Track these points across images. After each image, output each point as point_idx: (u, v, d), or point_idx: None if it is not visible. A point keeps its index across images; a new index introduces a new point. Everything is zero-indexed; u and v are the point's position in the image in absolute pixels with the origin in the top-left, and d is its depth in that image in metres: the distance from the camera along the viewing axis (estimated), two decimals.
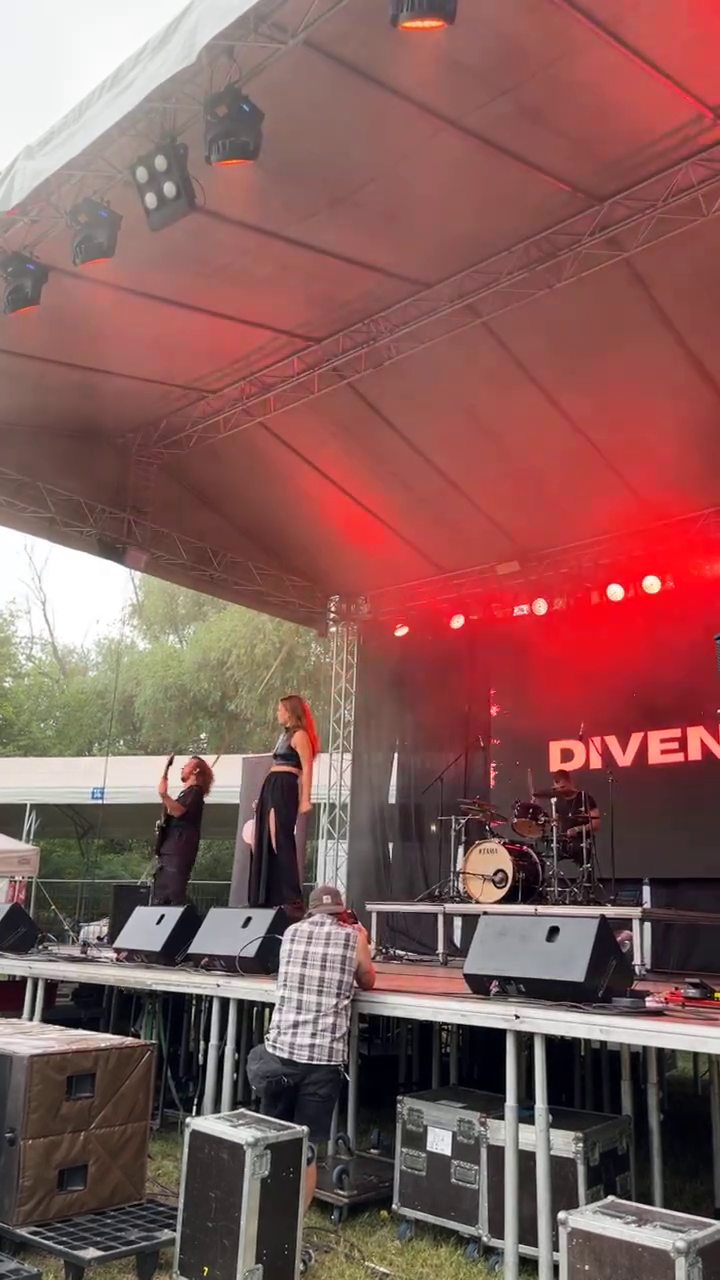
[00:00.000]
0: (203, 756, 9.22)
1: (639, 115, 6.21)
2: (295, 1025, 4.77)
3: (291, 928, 5.15)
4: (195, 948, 6.30)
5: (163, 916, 6.80)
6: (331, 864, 13.07)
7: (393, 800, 12.90)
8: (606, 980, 4.39)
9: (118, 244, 6.01)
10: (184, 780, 8.66)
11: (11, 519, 10.62)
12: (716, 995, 4.83)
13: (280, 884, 7.24)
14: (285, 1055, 4.73)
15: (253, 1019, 6.76)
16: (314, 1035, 4.74)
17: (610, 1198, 3.60)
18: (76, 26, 43.50)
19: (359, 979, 5.06)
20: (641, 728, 10.61)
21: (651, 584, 10.75)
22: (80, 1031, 5.46)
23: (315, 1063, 4.70)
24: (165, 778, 8.49)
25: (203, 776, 8.68)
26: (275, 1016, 4.91)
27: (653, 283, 7.64)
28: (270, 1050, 4.81)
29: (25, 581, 50.94)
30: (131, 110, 5.23)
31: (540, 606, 11.62)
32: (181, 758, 9.09)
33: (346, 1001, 4.88)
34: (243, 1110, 4.50)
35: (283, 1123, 4.17)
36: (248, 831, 11.87)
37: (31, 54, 42.43)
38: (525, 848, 9.06)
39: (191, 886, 15.31)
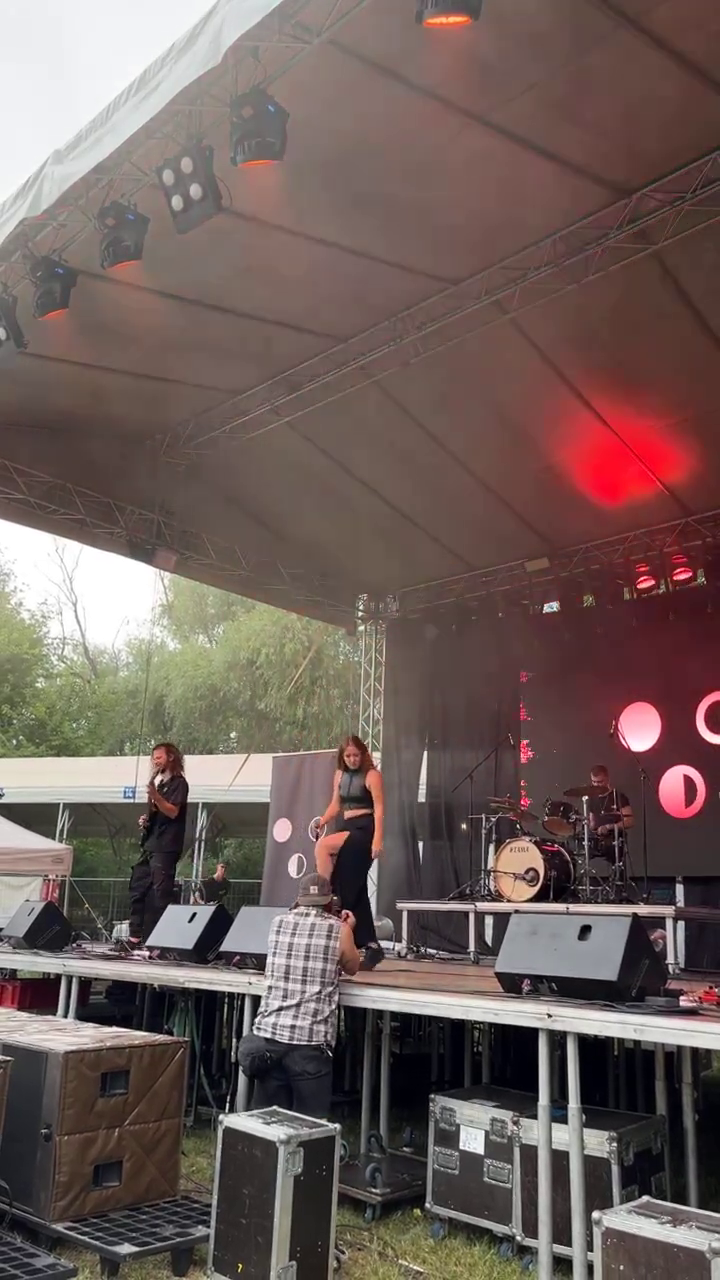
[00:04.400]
0: (167, 741, 9.08)
1: (667, 107, 6.15)
2: (279, 1010, 4.98)
3: (278, 919, 5.31)
4: (227, 946, 6.34)
5: (194, 915, 6.85)
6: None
7: (422, 799, 12.89)
8: (640, 979, 4.36)
9: (145, 246, 6.05)
10: (163, 770, 8.32)
11: (42, 521, 10.73)
12: None
13: (367, 928, 7.01)
14: (268, 1035, 4.95)
15: None
16: (295, 1018, 4.94)
17: (645, 1198, 3.57)
18: (87, 25, 43.80)
19: (343, 965, 5.23)
20: (674, 724, 10.51)
21: (683, 579, 10.66)
22: (114, 1029, 5.50)
23: (296, 1042, 4.88)
24: (153, 784, 8.30)
25: (179, 763, 8.43)
26: (262, 1004, 5.12)
27: (682, 275, 7.58)
28: (256, 1031, 5.04)
29: (56, 583, 51.42)
30: (158, 113, 5.26)
31: (570, 603, 11.56)
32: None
33: (331, 988, 5.06)
34: (275, 1108, 4.52)
35: (315, 1120, 4.18)
36: (279, 830, 11.96)
37: (42, 51, 42.79)
38: (557, 846, 9.02)
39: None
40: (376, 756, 13.13)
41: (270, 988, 5.09)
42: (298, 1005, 4.95)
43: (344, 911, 5.65)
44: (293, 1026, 4.91)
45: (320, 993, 4.99)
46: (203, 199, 5.55)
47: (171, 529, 11.38)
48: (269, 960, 5.19)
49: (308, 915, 5.24)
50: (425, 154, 6.45)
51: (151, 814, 8.28)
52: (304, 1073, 4.83)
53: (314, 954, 5.06)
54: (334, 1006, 5.06)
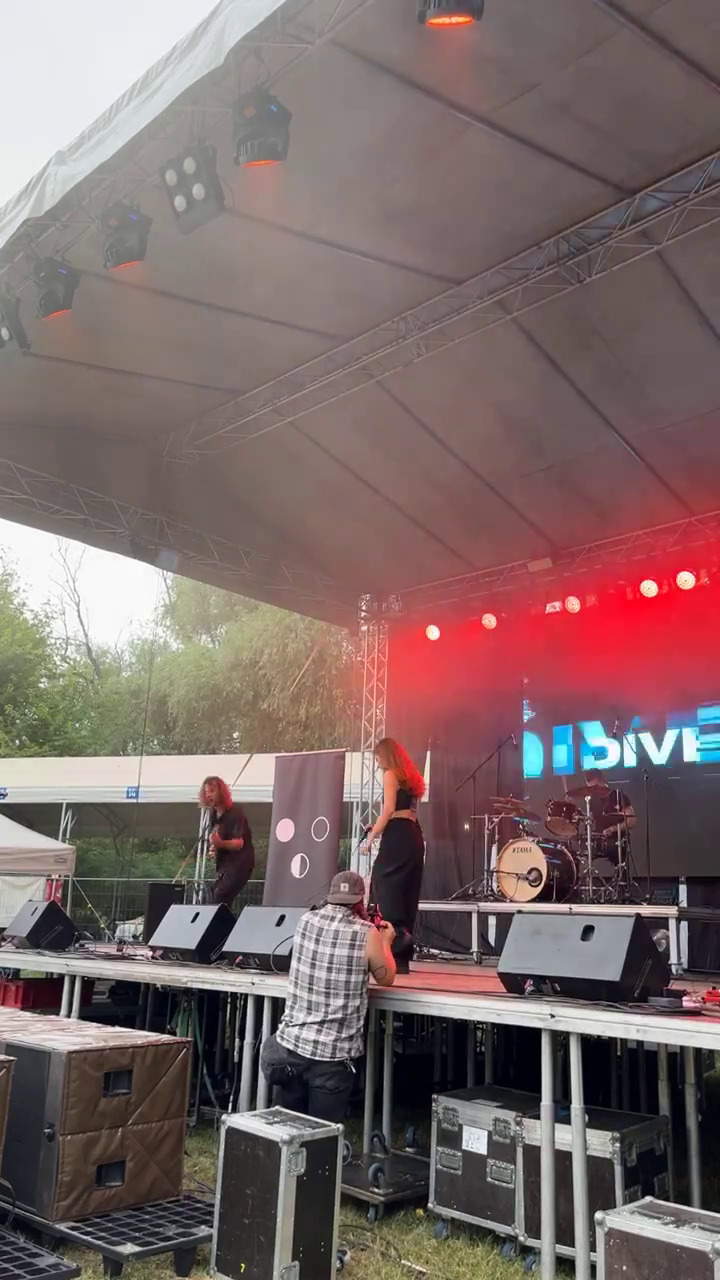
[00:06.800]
0: (214, 776, 9.42)
1: (669, 107, 6.15)
2: (303, 1024, 4.85)
3: (303, 920, 5.16)
4: (230, 946, 6.35)
5: (197, 915, 6.86)
6: (365, 863, 13.07)
7: (425, 799, 12.86)
8: (642, 979, 4.36)
9: (148, 246, 6.05)
10: (209, 804, 9.01)
11: (45, 521, 10.73)
12: None
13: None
14: (290, 1047, 4.85)
15: None
16: (319, 1033, 4.82)
17: (648, 1198, 3.57)
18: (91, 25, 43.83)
19: (375, 975, 5.07)
20: (676, 725, 10.52)
21: (686, 580, 10.64)
22: (117, 1029, 5.51)
23: (318, 1059, 4.78)
24: (213, 835, 8.98)
25: (226, 796, 9.11)
26: (286, 1012, 5.00)
27: (685, 275, 7.57)
28: (279, 1040, 4.92)
29: (60, 583, 51.49)
30: (161, 113, 5.25)
31: (573, 604, 11.55)
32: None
33: (357, 1001, 4.90)
34: (278, 1108, 4.52)
35: (318, 1120, 4.19)
36: (282, 830, 11.96)
37: (50, 49, 42.82)
38: (559, 846, 9.02)
39: None
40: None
41: (294, 996, 4.95)
42: (322, 1021, 4.82)
43: (381, 921, 5.40)
44: (316, 1042, 4.79)
45: (345, 1006, 4.84)
46: (205, 199, 5.54)
47: (174, 529, 11.38)
48: (292, 965, 5.05)
49: (333, 919, 5.05)
50: (428, 154, 6.45)
51: (220, 850, 9.01)
52: (322, 1088, 4.76)
53: (337, 965, 4.91)
54: (361, 1021, 4.91)
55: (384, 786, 7.32)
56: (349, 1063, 4.84)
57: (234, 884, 9.06)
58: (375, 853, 7.28)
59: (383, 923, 5.41)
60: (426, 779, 12.95)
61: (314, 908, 5.27)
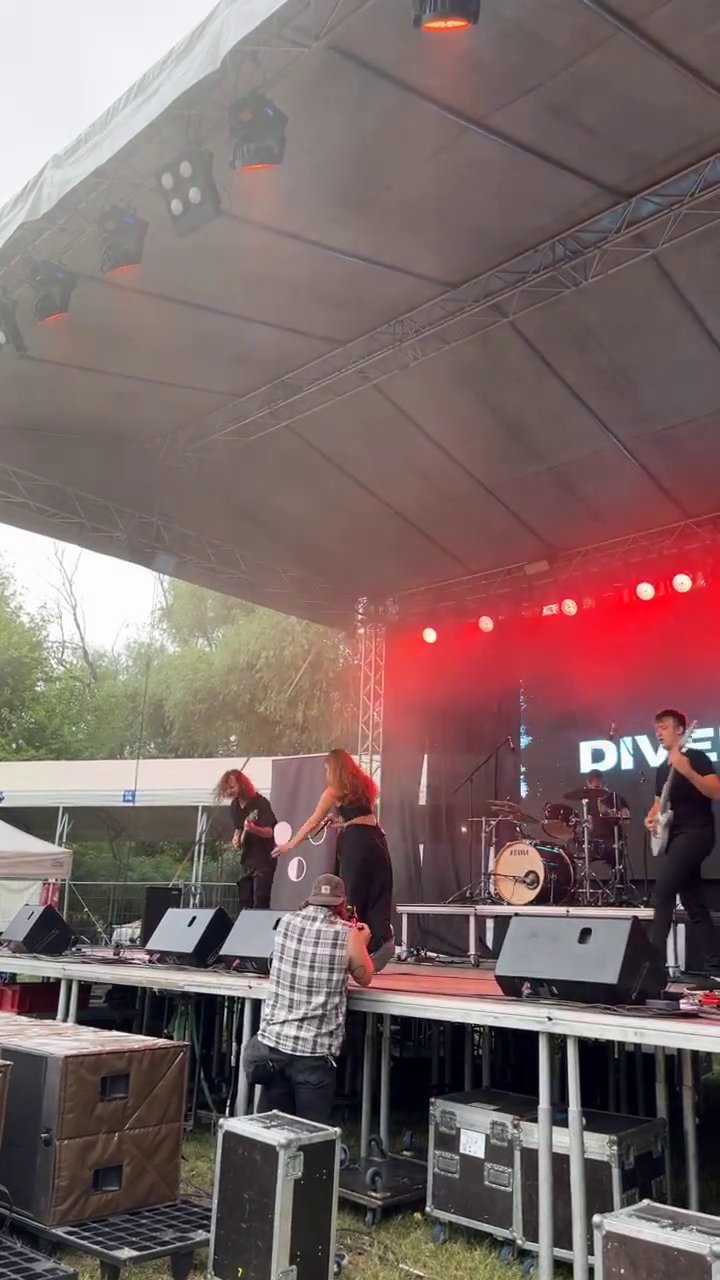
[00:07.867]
0: (232, 768, 9.59)
1: (665, 110, 6.16)
2: (284, 1021, 4.91)
3: (284, 921, 5.22)
4: (227, 949, 6.34)
5: (194, 918, 6.85)
6: None
7: (423, 801, 12.89)
8: (640, 982, 4.36)
9: (145, 250, 6.06)
10: (240, 796, 9.04)
11: (42, 525, 10.74)
12: None
13: None
14: (271, 1044, 4.89)
15: None
16: (300, 1029, 4.86)
17: (645, 1201, 3.57)
18: (92, 27, 43.87)
19: (354, 974, 5.14)
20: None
21: (682, 583, 10.65)
22: (114, 1033, 5.50)
23: (299, 1054, 4.82)
24: (251, 819, 9.02)
25: (248, 786, 9.16)
26: (266, 1011, 5.05)
27: (681, 279, 7.58)
28: (260, 1039, 4.97)
29: (56, 587, 51.41)
30: (157, 117, 5.26)
31: (570, 606, 11.56)
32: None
33: (337, 999, 4.97)
34: (275, 1112, 4.51)
35: (315, 1124, 4.18)
36: (279, 834, 11.96)
37: (47, 52, 42.85)
38: (556, 849, 9.03)
39: (223, 888, 15.44)
40: (376, 759, 13.16)
41: (275, 994, 5.00)
42: (303, 1017, 4.86)
43: (356, 921, 5.50)
44: (296, 1038, 4.84)
45: (326, 1003, 4.90)
46: (202, 203, 5.55)
47: (171, 532, 11.39)
48: (273, 965, 5.10)
49: (315, 920, 5.12)
50: (424, 157, 6.45)
51: (246, 835, 9.04)
52: (306, 1083, 4.79)
53: (319, 964, 4.96)
54: (341, 1018, 4.97)
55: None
56: (330, 1058, 4.89)
57: (268, 879, 9.15)
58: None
59: (360, 924, 5.50)
60: (423, 781, 12.98)
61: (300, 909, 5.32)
